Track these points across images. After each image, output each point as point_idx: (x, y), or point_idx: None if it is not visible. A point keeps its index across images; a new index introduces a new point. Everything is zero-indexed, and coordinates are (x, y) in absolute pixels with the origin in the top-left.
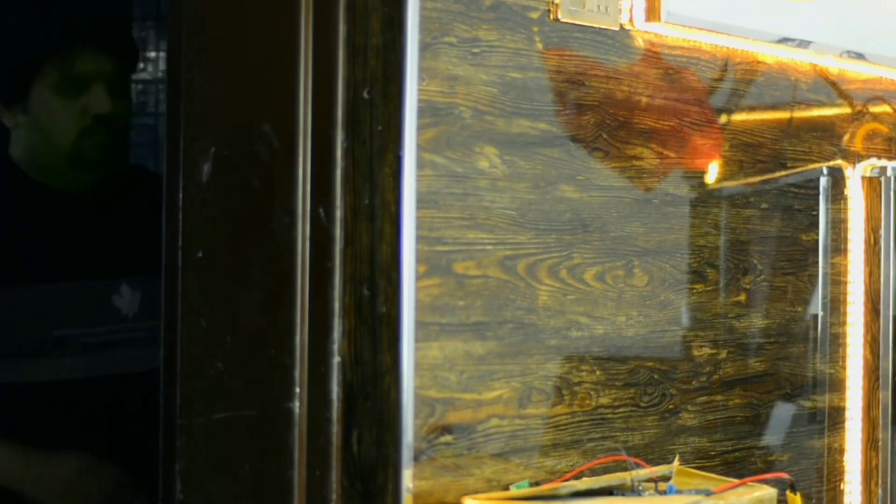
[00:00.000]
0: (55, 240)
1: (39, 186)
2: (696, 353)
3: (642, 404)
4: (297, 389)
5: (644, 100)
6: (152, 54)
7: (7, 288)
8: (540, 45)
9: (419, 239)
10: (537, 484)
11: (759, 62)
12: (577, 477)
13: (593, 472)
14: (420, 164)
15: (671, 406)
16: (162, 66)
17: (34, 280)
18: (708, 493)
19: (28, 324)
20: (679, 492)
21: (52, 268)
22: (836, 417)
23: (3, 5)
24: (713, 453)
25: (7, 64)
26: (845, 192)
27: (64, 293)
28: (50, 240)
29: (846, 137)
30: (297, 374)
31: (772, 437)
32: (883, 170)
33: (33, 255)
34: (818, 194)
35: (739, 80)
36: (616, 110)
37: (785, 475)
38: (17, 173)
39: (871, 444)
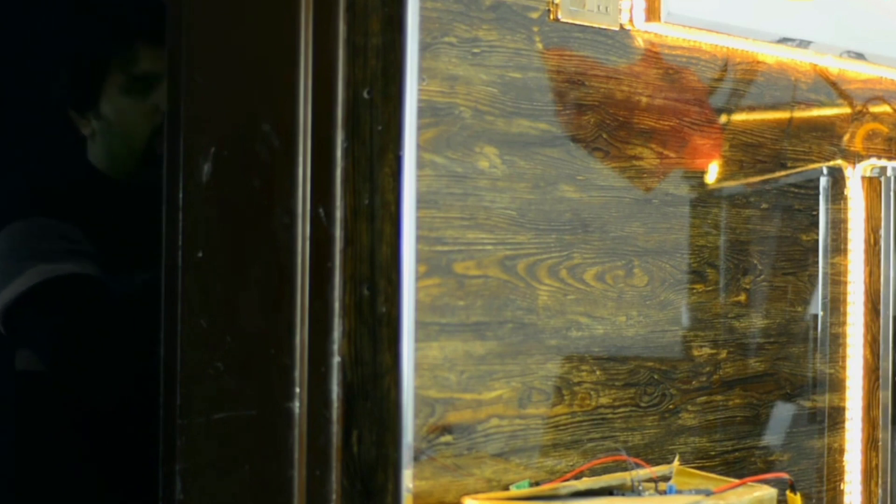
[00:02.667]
0: (139, 232)
1: (120, 186)
2: (696, 353)
3: (642, 404)
4: (297, 389)
5: (644, 100)
6: None
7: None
8: (540, 45)
9: (419, 239)
10: (537, 484)
11: (759, 62)
12: (577, 477)
13: (593, 472)
14: (420, 164)
15: (671, 406)
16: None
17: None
18: (708, 493)
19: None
20: (679, 492)
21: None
22: (836, 417)
23: (61, 15)
24: (713, 453)
25: (73, 73)
26: (845, 192)
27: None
28: (134, 232)
29: (846, 137)
30: (297, 374)
31: (772, 437)
32: (883, 170)
33: (127, 247)
34: (818, 194)
35: (739, 80)
36: (616, 110)
37: (785, 475)
38: (100, 178)
39: (871, 444)
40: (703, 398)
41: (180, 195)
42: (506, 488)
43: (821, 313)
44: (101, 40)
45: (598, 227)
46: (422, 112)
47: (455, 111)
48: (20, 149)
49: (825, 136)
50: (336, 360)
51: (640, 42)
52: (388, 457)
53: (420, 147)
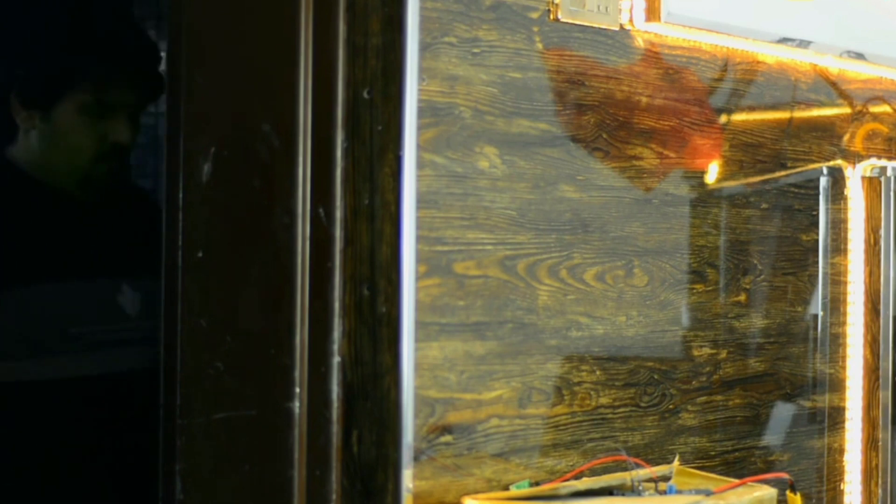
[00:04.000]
0: (56, 239)
1: (42, 186)
2: (696, 353)
3: (642, 404)
4: (297, 389)
5: (644, 100)
6: None
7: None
8: (540, 45)
9: (419, 239)
10: (537, 484)
11: (759, 62)
12: (577, 477)
13: (593, 472)
14: (420, 164)
15: (671, 406)
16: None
17: (41, 278)
18: (708, 493)
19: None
20: (679, 492)
21: (55, 267)
22: (836, 417)
23: (51, 14)
24: (713, 453)
25: (43, 69)
26: (845, 192)
27: (70, 292)
28: (52, 239)
29: (846, 137)
30: (297, 374)
31: (772, 437)
32: (883, 170)
33: (34, 253)
34: (818, 194)
35: (739, 80)
36: (616, 110)
37: (785, 475)
38: (17, 173)
39: (871, 444)
40: (703, 398)
41: (180, 195)
42: (506, 488)
43: (821, 313)
44: (79, 51)
45: (598, 227)
46: (422, 112)
47: (455, 111)
48: None
49: (825, 136)
50: (336, 360)
51: (640, 42)
52: (388, 457)
53: (420, 147)
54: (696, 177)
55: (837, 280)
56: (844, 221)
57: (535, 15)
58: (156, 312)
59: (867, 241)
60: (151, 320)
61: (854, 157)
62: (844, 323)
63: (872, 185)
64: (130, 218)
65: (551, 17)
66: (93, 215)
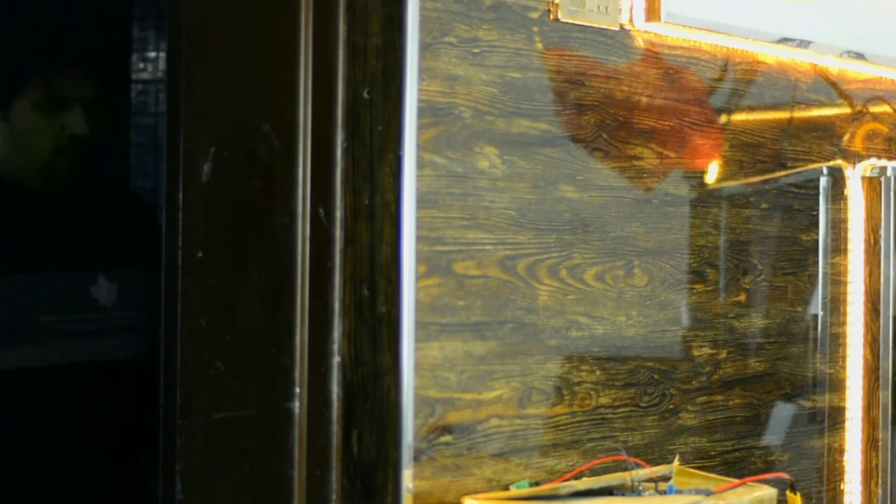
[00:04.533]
0: (27, 232)
1: (8, 183)
2: (696, 353)
3: (642, 404)
4: (297, 389)
5: (644, 100)
6: (152, 54)
7: None
8: (540, 45)
9: (419, 239)
10: (537, 484)
11: (759, 62)
12: (577, 477)
13: (593, 472)
14: (420, 164)
15: (671, 406)
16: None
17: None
18: (708, 493)
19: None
20: (679, 492)
21: (25, 259)
22: (836, 417)
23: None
24: (713, 453)
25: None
26: (845, 192)
27: (40, 283)
28: (22, 232)
29: (846, 137)
30: (297, 374)
31: (772, 437)
32: (883, 170)
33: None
34: (818, 194)
35: (739, 80)
36: (616, 110)
37: (785, 475)
38: None
39: (871, 444)
40: (703, 398)
41: (180, 195)
42: (506, 488)
43: (821, 313)
44: (29, 48)
45: (598, 227)
46: (422, 112)
47: (455, 111)
48: None
49: (825, 136)
50: (336, 360)
51: (640, 42)
52: (388, 457)
53: (420, 147)
54: (696, 177)
55: (837, 280)
56: (844, 221)
57: (535, 15)
58: (127, 303)
59: (867, 241)
60: (124, 310)
61: (854, 157)
62: (844, 323)
63: (872, 185)
64: (96, 211)
65: (551, 17)
66: (57, 208)
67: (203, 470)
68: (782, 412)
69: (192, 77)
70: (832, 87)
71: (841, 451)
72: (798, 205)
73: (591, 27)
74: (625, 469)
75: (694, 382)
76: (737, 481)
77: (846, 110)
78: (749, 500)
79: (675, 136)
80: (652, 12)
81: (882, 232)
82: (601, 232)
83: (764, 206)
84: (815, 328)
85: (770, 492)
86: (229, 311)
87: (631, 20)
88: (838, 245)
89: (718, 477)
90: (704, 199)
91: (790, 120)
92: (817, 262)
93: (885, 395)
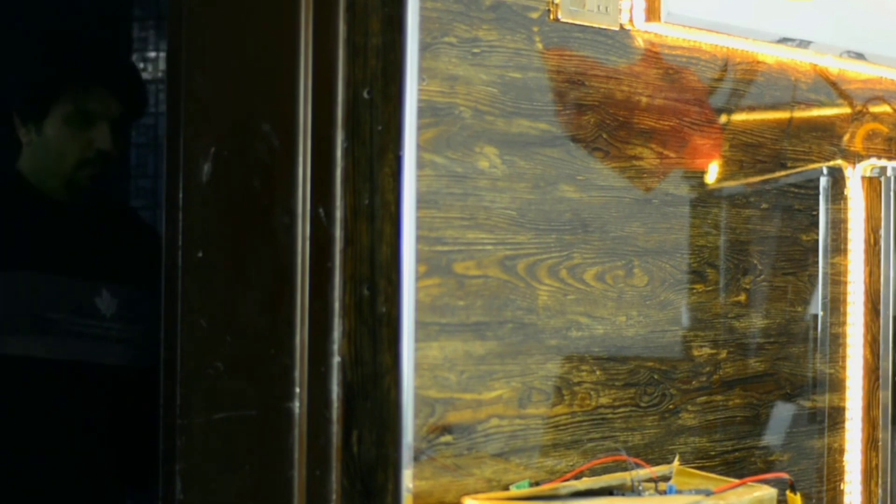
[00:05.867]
0: (45, 237)
1: (42, 195)
2: (696, 353)
3: (642, 404)
4: (297, 389)
5: (644, 100)
6: (152, 54)
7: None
8: (540, 45)
9: (419, 239)
10: (537, 484)
11: (759, 62)
12: (577, 477)
13: (593, 472)
14: (420, 164)
15: (671, 406)
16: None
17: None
18: (708, 493)
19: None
20: (679, 492)
21: (42, 260)
22: (836, 417)
23: (36, 28)
24: (713, 453)
25: (31, 84)
26: (845, 192)
27: (51, 284)
28: (40, 236)
29: (846, 137)
30: (297, 374)
31: (772, 437)
32: (883, 170)
33: (23, 247)
34: (818, 194)
35: (739, 80)
36: (616, 110)
37: (785, 475)
38: (24, 184)
39: (871, 444)
40: (703, 398)
41: (180, 195)
42: (506, 488)
43: (821, 313)
44: (63, 64)
45: (598, 227)
46: (422, 112)
47: (455, 111)
48: None
49: (825, 136)
50: (336, 360)
51: (640, 42)
52: (388, 457)
53: (420, 147)
54: (696, 177)
55: (837, 280)
56: (844, 221)
57: (535, 15)
58: (132, 313)
59: (867, 241)
60: (129, 322)
61: (854, 157)
62: (844, 323)
63: (872, 185)
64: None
65: (551, 17)
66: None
67: (203, 470)
68: (782, 412)
69: (192, 77)
70: (832, 87)
71: (841, 451)
72: (798, 205)
73: (591, 27)
74: (625, 469)
75: (694, 382)
76: (737, 481)
77: (846, 110)
78: (749, 500)
79: (675, 136)
80: (652, 12)
81: (882, 232)
82: (601, 232)
83: (764, 206)
84: (815, 328)
85: (770, 492)
86: (229, 311)
87: (631, 20)
88: (838, 245)
89: (718, 477)
90: (704, 199)
91: (790, 120)
92: (817, 262)
93: (884, 395)
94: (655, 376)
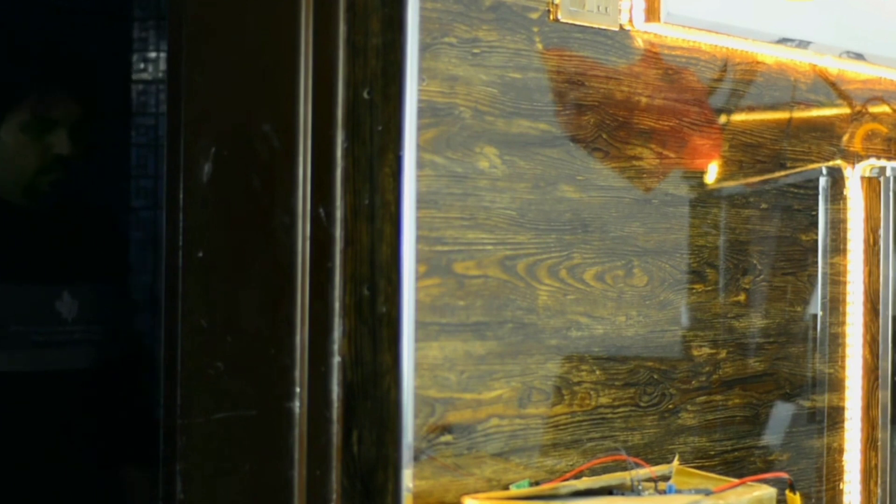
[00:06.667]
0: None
1: (3, 202)
2: (695, 352)
3: (642, 404)
4: (297, 389)
5: (644, 100)
6: (152, 54)
7: None
8: (540, 46)
9: (419, 239)
10: (537, 483)
11: (758, 62)
12: (577, 476)
13: (593, 472)
14: (420, 164)
15: (671, 406)
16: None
17: None
18: (707, 493)
19: None
20: (679, 491)
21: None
22: (835, 417)
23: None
24: (713, 453)
25: None
26: (844, 193)
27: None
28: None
29: (845, 137)
30: (297, 374)
31: (771, 436)
32: (882, 170)
33: None
34: (818, 194)
35: (739, 81)
36: (616, 110)
37: (784, 475)
38: None
39: (870, 443)
40: (703, 398)
41: (180, 195)
42: (506, 488)
43: (820, 313)
44: (17, 72)
45: (598, 227)
46: (422, 112)
47: (455, 111)
48: None
49: (824, 136)
50: (336, 360)
51: (639, 42)
52: (388, 457)
53: (420, 147)
54: (696, 177)
55: (837, 280)
56: (844, 221)
57: (534, 15)
58: (91, 315)
59: (866, 241)
60: (87, 324)
61: (853, 158)
62: (844, 323)
63: (872, 185)
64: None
65: (551, 17)
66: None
67: (203, 470)
68: (782, 412)
69: (192, 77)
70: (832, 88)
71: (840, 451)
72: (797, 205)
73: (591, 27)
74: (624, 469)
75: (693, 382)
76: (736, 481)
77: (845, 110)
78: (748, 499)
79: (674, 136)
80: (651, 13)
81: (881, 232)
82: (601, 232)
83: (763, 206)
84: (815, 328)
85: (769, 491)
86: (229, 311)
87: (631, 20)
88: (837, 245)
89: (718, 476)
90: (704, 199)
91: (789, 120)
92: (817, 262)
93: (884, 395)
94: (655, 376)
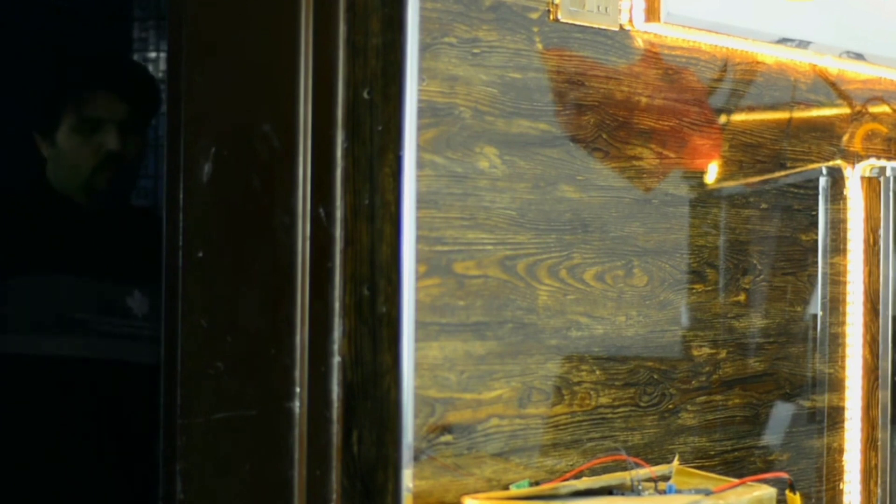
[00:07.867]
0: (73, 243)
1: (68, 201)
2: (695, 352)
3: (642, 404)
4: (297, 389)
5: (644, 100)
6: (152, 54)
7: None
8: (540, 46)
9: (419, 239)
10: (537, 483)
11: (758, 62)
12: (577, 477)
13: (593, 472)
14: (420, 164)
15: (671, 406)
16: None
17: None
18: (707, 493)
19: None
20: (679, 491)
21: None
22: (835, 417)
23: (42, 44)
24: (713, 453)
25: (42, 99)
26: (844, 193)
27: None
28: (68, 242)
29: (845, 137)
30: (297, 374)
31: (771, 436)
32: (882, 170)
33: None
34: (818, 194)
35: (739, 81)
36: (616, 110)
37: (784, 475)
38: (53, 194)
39: (870, 443)
40: (703, 398)
41: (180, 195)
42: (506, 488)
43: (820, 313)
44: (68, 74)
45: (598, 227)
46: (422, 112)
47: (455, 111)
48: None
49: (824, 136)
50: (336, 360)
51: (639, 42)
52: (388, 457)
53: (420, 147)
54: (696, 177)
55: (837, 280)
56: (844, 221)
57: (534, 15)
58: (154, 313)
59: (866, 241)
60: (151, 321)
61: (853, 158)
62: (844, 323)
63: (872, 185)
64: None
65: (551, 17)
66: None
67: (203, 470)
68: (782, 412)
69: (192, 77)
70: (832, 88)
71: (840, 451)
72: (797, 205)
73: (591, 27)
74: (624, 469)
75: (693, 382)
76: (736, 481)
77: (845, 110)
78: (748, 499)
79: (674, 136)
80: (651, 13)
81: (881, 232)
82: (601, 232)
83: (763, 206)
84: (815, 328)
85: (769, 491)
86: (229, 311)
87: (631, 20)
88: (837, 245)
89: (718, 476)
90: (704, 199)
91: (789, 120)
92: (816, 262)
93: (884, 395)
94: (655, 376)
